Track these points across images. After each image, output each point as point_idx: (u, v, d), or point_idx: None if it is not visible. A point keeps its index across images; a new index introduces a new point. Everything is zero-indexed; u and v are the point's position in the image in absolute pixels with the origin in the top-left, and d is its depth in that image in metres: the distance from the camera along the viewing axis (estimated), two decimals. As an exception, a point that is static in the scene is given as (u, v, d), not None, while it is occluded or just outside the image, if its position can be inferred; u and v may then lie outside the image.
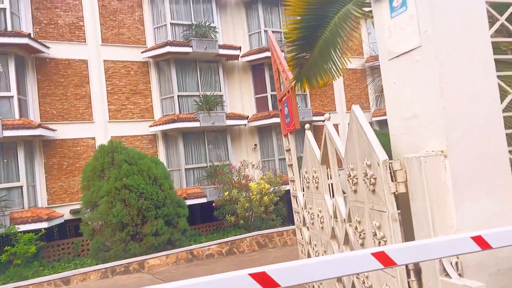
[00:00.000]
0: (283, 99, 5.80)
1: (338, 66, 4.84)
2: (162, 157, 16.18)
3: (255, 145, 18.15)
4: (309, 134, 4.68)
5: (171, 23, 16.67)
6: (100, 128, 15.43)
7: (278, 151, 18.00)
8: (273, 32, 7.46)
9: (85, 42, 15.57)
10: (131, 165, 12.06)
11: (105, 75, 15.81)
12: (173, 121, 15.62)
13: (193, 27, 16.63)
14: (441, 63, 2.63)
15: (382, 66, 3.15)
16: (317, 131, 18.47)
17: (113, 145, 12.60)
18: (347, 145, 3.34)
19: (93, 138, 15.29)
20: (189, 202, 14.50)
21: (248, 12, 18.76)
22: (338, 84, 20.51)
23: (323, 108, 19.99)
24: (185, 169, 16.22)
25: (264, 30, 18.18)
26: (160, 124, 15.91)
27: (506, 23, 3.73)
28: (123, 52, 16.19)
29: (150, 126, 16.13)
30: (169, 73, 16.57)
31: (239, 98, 18.20)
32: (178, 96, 16.45)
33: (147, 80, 16.52)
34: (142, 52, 16.34)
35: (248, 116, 17.61)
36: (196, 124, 15.93)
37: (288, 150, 5.81)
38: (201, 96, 16.58)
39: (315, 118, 18.14)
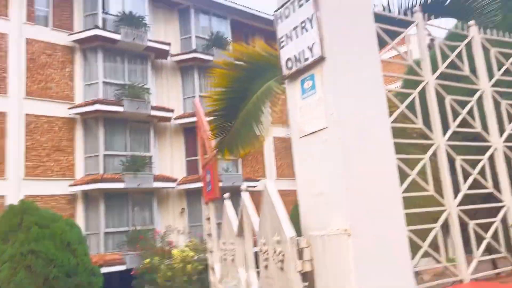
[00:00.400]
0: (206, 166, 5.77)
1: (259, 137, 4.97)
2: (80, 219, 15.06)
3: (183, 209, 17.64)
4: (228, 204, 4.63)
5: (103, 82, 16.41)
6: (12, 186, 14.17)
7: (206, 216, 17.59)
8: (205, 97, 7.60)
9: (6, 94, 14.73)
10: (42, 228, 11.00)
11: (25, 130, 14.87)
12: (96, 181, 14.84)
13: (126, 87, 16.49)
14: (344, 145, 2.77)
15: (293, 143, 3.26)
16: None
17: (24, 205, 11.52)
18: (261, 220, 3.32)
19: (3, 197, 13.95)
20: (106, 269, 13.38)
21: (183, 77, 19.10)
22: (269, 151, 21.03)
23: (254, 174, 20.21)
24: (105, 232, 15.18)
25: (199, 95, 18.47)
26: (81, 184, 15.01)
27: (406, 110, 4.11)
28: (49, 107, 15.48)
29: (70, 186, 15.14)
30: (96, 131, 16.01)
31: (169, 160, 17.88)
32: (104, 155, 15.81)
33: (71, 137, 15.77)
34: (69, 108, 15.74)
35: (177, 179, 17.24)
36: (120, 185, 15.24)
37: (208, 219, 5.67)
38: (128, 156, 16.07)
39: (245, 184, 18.20)
